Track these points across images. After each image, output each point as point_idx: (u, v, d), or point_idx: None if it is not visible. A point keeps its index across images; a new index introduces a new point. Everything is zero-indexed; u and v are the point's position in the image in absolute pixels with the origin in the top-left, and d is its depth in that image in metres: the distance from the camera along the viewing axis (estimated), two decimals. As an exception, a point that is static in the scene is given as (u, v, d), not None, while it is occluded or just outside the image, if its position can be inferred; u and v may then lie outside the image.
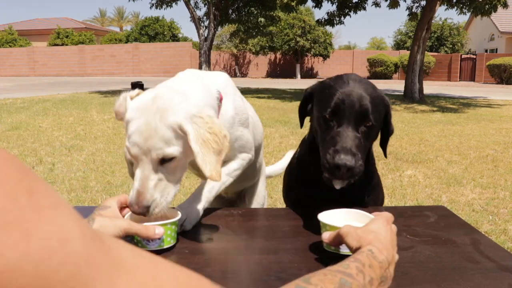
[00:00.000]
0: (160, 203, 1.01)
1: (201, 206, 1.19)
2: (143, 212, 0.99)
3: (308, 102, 1.33)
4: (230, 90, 1.29)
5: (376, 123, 1.21)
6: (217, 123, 1.03)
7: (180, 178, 1.08)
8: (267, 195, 4.02)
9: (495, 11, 12.40)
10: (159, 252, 1.03)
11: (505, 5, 12.20)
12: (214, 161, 1.00)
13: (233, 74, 31.97)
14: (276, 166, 2.11)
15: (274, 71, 32.46)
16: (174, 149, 0.99)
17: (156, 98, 1.02)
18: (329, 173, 1.13)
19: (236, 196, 1.69)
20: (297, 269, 0.97)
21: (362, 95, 1.18)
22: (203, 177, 1.25)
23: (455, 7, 13.36)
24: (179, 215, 1.06)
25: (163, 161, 1.00)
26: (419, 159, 5.17)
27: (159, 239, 1.01)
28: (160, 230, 0.98)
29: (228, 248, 1.11)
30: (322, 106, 1.20)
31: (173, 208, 1.13)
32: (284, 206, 1.53)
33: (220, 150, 1.02)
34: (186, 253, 1.06)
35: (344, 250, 1.00)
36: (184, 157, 1.04)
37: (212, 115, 1.07)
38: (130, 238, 1.03)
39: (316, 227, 1.22)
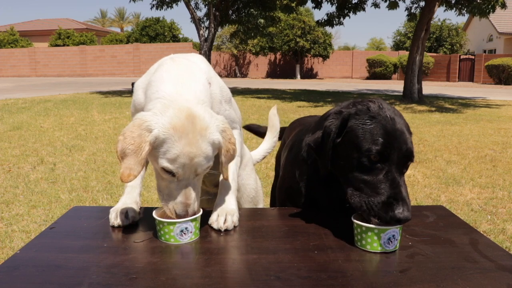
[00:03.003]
0: (197, 205, 1.16)
1: (233, 201, 1.32)
2: (192, 216, 1.13)
3: (340, 133, 1.17)
4: (212, 74, 1.39)
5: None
6: (231, 132, 1.18)
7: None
8: (264, 193, 3.94)
9: (493, 11, 12.38)
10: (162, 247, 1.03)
11: (503, 6, 12.18)
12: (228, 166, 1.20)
13: (233, 75, 31.96)
14: (256, 151, 2.04)
15: (274, 72, 32.44)
16: (211, 162, 1.13)
17: (191, 117, 1.08)
18: (380, 222, 1.06)
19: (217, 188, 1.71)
20: (297, 269, 0.97)
21: (407, 135, 1.12)
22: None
23: (454, 8, 13.36)
24: (201, 210, 1.18)
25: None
26: (418, 159, 5.18)
27: (191, 232, 1.12)
28: None
29: (228, 248, 1.12)
30: (364, 144, 1.10)
31: None
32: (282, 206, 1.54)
33: (234, 155, 1.20)
34: (187, 253, 1.07)
35: (390, 247, 1.05)
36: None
37: (224, 121, 1.18)
38: (162, 233, 1.11)
39: (315, 227, 1.23)
